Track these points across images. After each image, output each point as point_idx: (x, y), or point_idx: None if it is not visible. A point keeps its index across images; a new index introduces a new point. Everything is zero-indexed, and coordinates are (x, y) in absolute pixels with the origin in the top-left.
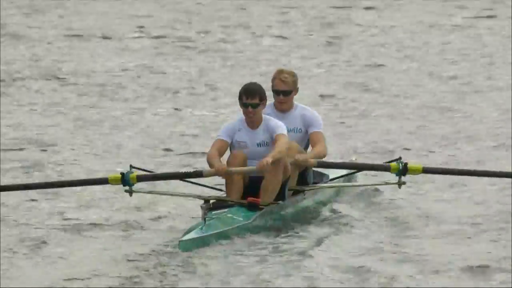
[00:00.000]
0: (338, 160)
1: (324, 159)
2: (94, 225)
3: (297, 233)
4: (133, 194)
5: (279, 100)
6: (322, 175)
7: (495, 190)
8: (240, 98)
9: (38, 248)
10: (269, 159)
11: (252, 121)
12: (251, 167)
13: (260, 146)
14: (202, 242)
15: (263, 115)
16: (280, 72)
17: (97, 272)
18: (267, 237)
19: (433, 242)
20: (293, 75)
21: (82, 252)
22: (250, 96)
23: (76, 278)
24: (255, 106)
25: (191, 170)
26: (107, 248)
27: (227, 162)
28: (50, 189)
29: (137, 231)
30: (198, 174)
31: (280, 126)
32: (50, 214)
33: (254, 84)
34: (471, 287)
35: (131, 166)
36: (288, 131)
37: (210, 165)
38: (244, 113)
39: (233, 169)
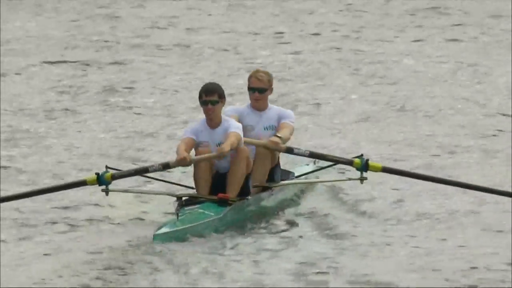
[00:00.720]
0: (305, 149)
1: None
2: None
3: (264, 227)
4: (109, 194)
5: (255, 97)
6: (288, 172)
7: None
8: (200, 97)
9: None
10: (225, 148)
11: (211, 119)
12: (213, 153)
13: (220, 145)
14: (175, 236)
15: (223, 117)
16: (256, 71)
17: (73, 269)
18: (236, 231)
19: (397, 233)
20: (269, 75)
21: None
22: (209, 94)
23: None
24: (214, 103)
25: (159, 163)
26: (80, 245)
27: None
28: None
29: (110, 226)
30: (165, 166)
31: (235, 125)
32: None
33: (213, 83)
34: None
35: (106, 167)
36: (264, 128)
37: (178, 153)
38: (204, 111)
39: (196, 157)
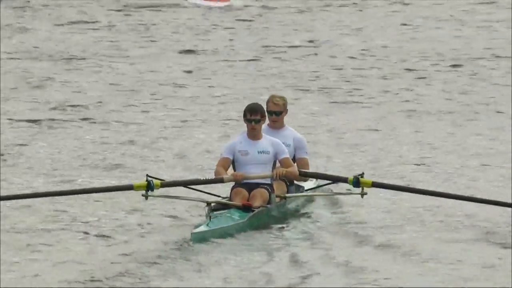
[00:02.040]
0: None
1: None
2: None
3: (281, 230)
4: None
5: (272, 119)
6: (299, 186)
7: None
8: (244, 115)
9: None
10: (283, 170)
11: (254, 134)
12: (266, 172)
13: (261, 153)
14: (208, 235)
15: (262, 133)
16: (273, 96)
17: (119, 269)
18: (257, 233)
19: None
20: (284, 99)
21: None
22: (254, 113)
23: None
24: (257, 121)
25: (212, 177)
26: (121, 247)
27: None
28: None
29: (146, 230)
30: (219, 180)
31: (285, 149)
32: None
33: (256, 104)
34: None
35: (147, 176)
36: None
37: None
38: (248, 127)
39: (250, 175)
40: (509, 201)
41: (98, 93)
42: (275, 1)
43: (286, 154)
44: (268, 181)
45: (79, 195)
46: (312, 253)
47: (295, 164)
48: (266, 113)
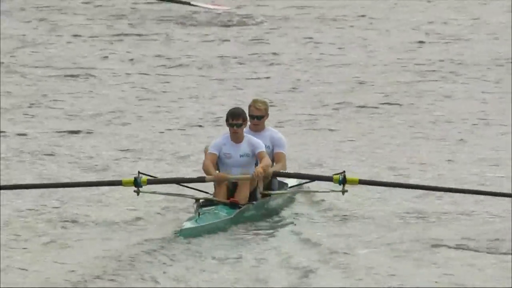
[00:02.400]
0: (293, 171)
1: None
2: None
3: (266, 226)
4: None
5: (254, 123)
6: (284, 184)
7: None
8: (227, 120)
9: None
10: (261, 170)
11: (236, 137)
12: (247, 175)
13: (243, 157)
14: (197, 231)
15: (246, 134)
16: (255, 101)
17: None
18: (243, 228)
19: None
20: (265, 104)
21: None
22: (235, 118)
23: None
24: (239, 125)
25: (194, 176)
26: (113, 239)
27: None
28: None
29: (138, 225)
30: (201, 179)
31: (261, 144)
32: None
33: (238, 108)
34: None
35: (139, 172)
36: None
37: (207, 173)
38: (230, 131)
39: (230, 176)
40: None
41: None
42: None
43: (261, 148)
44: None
45: (70, 188)
46: (300, 248)
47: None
48: (247, 117)
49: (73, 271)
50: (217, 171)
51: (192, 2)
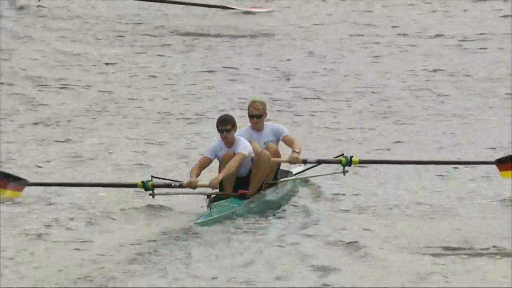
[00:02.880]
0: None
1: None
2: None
3: (274, 214)
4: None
5: (254, 122)
6: (287, 172)
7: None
8: (217, 126)
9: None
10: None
11: (227, 142)
12: (207, 184)
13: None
14: (211, 222)
15: (236, 137)
16: (253, 101)
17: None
18: (253, 218)
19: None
20: (263, 104)
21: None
22: (224, 124)
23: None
24: (228, 131)
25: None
26: (138, 230)
27: (221, 161)
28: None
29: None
30: (180, 185)
31: (244, 146)
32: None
33: (227, 115)
34: None
35: (152, 176)
36: (265, 143)
37: (191, 175)
38: (221, 136)
39: (200, 184)
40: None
41: None
42: None
43: (244, 150)
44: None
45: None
46: (305, 233)
47: (280, 145)
48: (236, 123)
49: (79, 261)
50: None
51: (229, 5)
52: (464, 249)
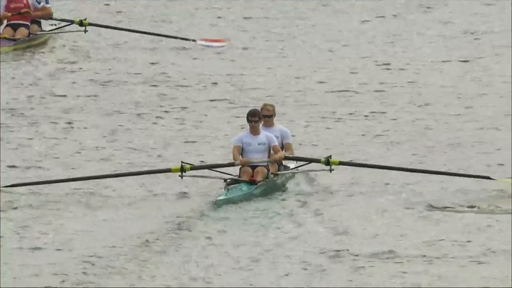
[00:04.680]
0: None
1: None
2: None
3: (277, 197)
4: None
5: (265, 121)
6: (287, 167)
7: None
8: (247, 118)
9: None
10: (278, 157)
11: (254, 130)
12: (264, 158)
13: (260, 145)
14: (227, 201)
15: (260, 127)
16: (265, 105)
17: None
18: (261, 200)
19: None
20: (273, 106)
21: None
22: (253, 116)
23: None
24: (256, 121)
25: (227, 161)
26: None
27: (247, 148)
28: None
29: (180, 199)
30: (231, 164)
31: (274, 139)
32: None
33: (255, 109)
34: None
35: (182, 162)
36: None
37: (235, 159)
38: (250, 126)
39: (252, 160)
40: None
41: None
42: None
43: (275, 142)
44: (265, 162)
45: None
46: (303, 211)
47: (283, 149)
48: (262, 116)
49: (111, 239)
50: (241, 157)
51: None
52: None
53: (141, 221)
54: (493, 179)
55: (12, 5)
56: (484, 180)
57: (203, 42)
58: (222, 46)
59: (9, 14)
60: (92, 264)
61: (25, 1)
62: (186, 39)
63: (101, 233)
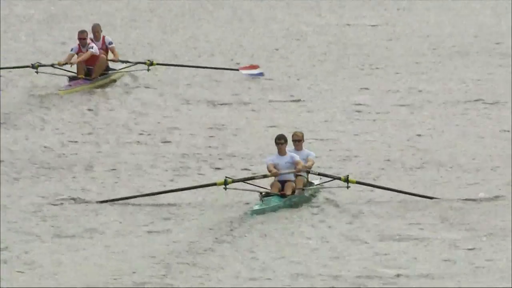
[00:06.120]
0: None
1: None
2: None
3: (303, 208)
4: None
5: (296, 145)
6: (311, 183)
7: None
8: (275, 141)
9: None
10: (299, 167)
11: (282, 152)
12: (290, 170)
13: (287, 163)
14: (261, 211)
15: (287, 149)
16: (296, 132)
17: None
18: (290, 211)
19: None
20: (302, 133)
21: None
22: (280, 140)
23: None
24: (282, 144)
25: (261, 174)
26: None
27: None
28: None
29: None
30: (266, 176)
31: (297, 158)
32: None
33: (282, 134)
34: None
35: (225, 177)
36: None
37: (269, 170)
38: (278, 148)
39: (281, 171)
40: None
41: None
42: None
43: (297, 158)
44: (293, 179)
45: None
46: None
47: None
48: (287, 140)
49: (157, 247)
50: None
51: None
52: None
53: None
54: None
55: (83, 50)
56: None
57: (245, 71)
58: (261, 73)
59: (80, 58)
60: (165, 264)
61: (101, 45)
62: (230, 69)
63: (161, 238)
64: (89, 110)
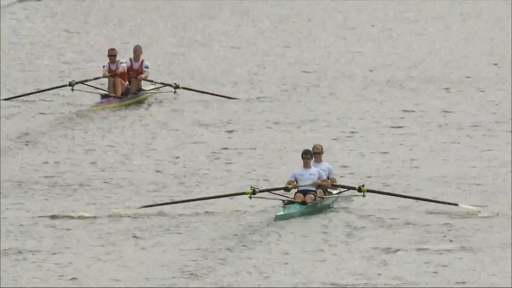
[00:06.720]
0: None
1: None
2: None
3: (322, 215)
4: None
5: (316, 157)
6: (330, 193)
7: None
8: (302, 156)
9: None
10: (318, 181)
11: (307, 165)
12: (308, 182)
13: (311, 175)
14: (284, 217)
15: (312, 163)
16: (316, 145)
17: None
18: (309, 218)
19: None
20: (321, 146)
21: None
22: (306, 155)
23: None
24: (308, 158)
25: (283, 185)
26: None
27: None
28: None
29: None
30: (286, 188)
31: (322, 173)
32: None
33: (308, 149)
34: None
35: (251, 187)
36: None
37: (289, 184)
38: (304, 162)
39: (299, 184)
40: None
41: None
42: None
43: (322, 176)
44: (314, 189)
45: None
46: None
47: (329, 180)
48: (313, 155)
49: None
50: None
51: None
52: None
53: (220, 230)
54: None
55: (113, 66)
56: None
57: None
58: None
59: (109, 74)
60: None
61: (138, 66)
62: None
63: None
64: (116, 128)
